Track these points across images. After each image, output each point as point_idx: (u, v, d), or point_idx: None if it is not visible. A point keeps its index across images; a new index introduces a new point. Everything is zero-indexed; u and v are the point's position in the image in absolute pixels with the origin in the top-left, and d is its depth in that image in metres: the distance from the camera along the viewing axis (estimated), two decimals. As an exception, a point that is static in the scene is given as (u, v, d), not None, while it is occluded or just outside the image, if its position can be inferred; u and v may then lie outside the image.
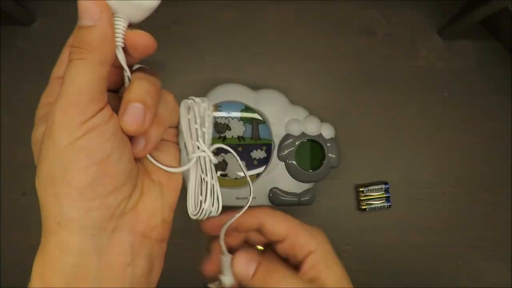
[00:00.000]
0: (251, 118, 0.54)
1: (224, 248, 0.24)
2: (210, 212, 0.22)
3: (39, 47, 0.64)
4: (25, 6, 0.62)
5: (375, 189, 0.61)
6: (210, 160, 0.22)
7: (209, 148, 0.22)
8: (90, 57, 0.17)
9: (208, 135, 0.22)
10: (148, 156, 0.21)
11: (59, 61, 0.21)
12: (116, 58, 0.19)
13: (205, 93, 0.58)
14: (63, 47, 0.22)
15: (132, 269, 0.19)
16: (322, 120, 0.55)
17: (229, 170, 0.55)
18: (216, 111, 0.56)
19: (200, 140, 0.22)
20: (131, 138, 0.20)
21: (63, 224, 0.17)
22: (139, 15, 0.19)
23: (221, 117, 0.56)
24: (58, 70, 0.21)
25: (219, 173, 0.54)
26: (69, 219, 0.17)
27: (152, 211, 0.20)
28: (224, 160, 0.55)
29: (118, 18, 0.18)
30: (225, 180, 0.54)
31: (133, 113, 0.18)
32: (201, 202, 0.22)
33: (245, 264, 0.23)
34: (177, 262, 0.60)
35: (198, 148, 0.22)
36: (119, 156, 0.18)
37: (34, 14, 0.64)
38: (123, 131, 0.19)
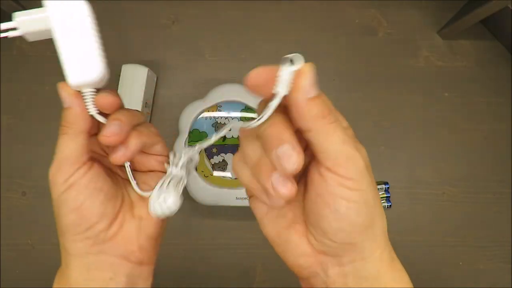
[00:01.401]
0: (251, 118, 0.54)
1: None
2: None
3: (39, 47, 0.64)
4: (25, 6, 0.62)
5: (375, 189, 0.61)
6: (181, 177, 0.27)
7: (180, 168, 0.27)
8: (70, 131, 0.23)
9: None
10: (127, 168, 0.26)
11: None
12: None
13: (205, 93, 0.58)
14: None
15: (114, 283, 0.25)
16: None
17: (229, 170, 0.55)
18: (216, 111, 0.56)
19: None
20: (113, 149, 0.24)
21: (65, 250, 0.24)
22: (100, 85, 0.23)
23: (221, 117, 0.56)
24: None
25: (219, 173, 0.54)
26: (65, 248, 0.24)
27: (128, 240, 0.25)
28: (224, 160, 0.55)
29: (86, 92, 0.23)
30: (225, 180, 0.54)
31: (109, 128, 0.23)
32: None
33: (311, 78, 0.20)
34: (177, 262, 0.60)
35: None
36: (91, 203, 0.24)
37: (34, 14, 0.64)
38: (103, 144, 0.24)
